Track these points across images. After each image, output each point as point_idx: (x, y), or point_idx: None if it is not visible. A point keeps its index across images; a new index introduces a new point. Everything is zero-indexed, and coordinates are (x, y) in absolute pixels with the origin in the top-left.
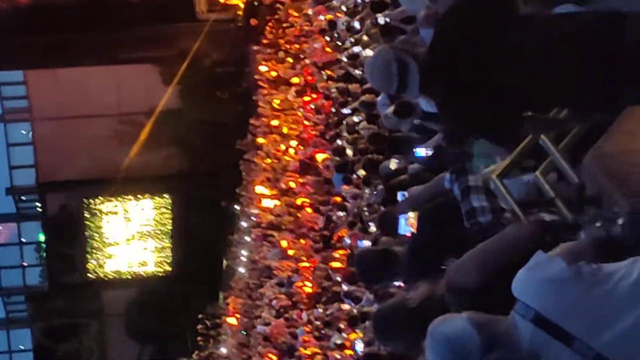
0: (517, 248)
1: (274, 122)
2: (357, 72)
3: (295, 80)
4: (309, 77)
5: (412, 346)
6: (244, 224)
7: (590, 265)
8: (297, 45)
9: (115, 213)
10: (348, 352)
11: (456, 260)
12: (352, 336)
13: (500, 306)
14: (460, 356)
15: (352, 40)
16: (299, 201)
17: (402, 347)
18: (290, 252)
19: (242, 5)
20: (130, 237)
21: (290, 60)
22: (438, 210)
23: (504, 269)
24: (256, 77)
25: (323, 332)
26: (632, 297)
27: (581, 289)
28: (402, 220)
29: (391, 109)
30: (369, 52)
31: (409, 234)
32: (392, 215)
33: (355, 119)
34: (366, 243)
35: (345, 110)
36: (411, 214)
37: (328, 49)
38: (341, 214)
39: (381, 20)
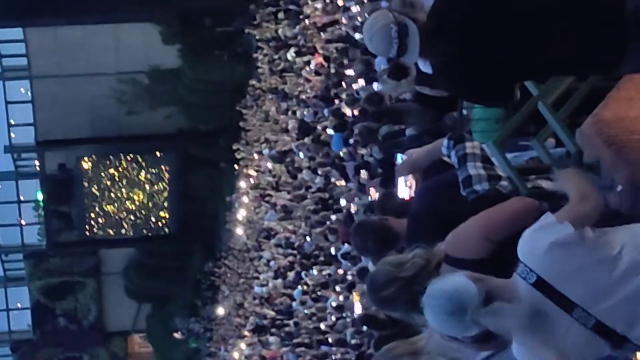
0: (517, 221)
1: (273, 83)
2: (357, 34)
3: (294, 41)
4: (309, 38)
5: (406, 314)
6: (242, 184)
7: (594, 230)
8: (296, 6)
9: (114, 171)
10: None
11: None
12: (349, 298)
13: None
14: (460, 306)
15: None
16: (297, 162)
17: (398, 314)
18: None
19: None
20: (129, 196)
21: (289, 20)
22: (439, 183)
23: (504, 242)
24: (256, 37)
25: (320, 293)
26: (633, 265)
27: (584, 253)
28: (401, 181)
29: (386, 73)
30: (368, 14)
31: (407, 198)
32: (393, 197)
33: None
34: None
35: (345, 72)
36: (410, 176)
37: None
38: (339, 175)
39: None
